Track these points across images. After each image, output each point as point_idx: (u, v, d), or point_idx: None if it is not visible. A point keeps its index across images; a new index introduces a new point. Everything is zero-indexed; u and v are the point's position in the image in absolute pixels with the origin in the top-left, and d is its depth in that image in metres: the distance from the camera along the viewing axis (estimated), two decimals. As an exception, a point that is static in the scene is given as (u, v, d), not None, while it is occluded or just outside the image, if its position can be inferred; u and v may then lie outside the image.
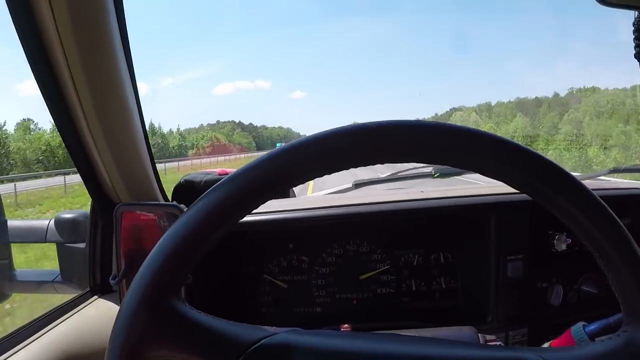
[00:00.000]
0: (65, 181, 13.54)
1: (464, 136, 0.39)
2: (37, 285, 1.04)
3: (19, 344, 0.79)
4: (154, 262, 0.40)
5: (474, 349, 0.42)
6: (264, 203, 0.40)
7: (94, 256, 0.96)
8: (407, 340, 0.42)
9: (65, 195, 12.44)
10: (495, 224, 0.89)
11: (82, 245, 0.99)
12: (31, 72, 0.77)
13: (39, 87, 0.78)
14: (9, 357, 0.75)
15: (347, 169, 0.40)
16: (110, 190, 0.91)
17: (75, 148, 0.85)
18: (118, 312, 0.40)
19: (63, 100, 0.80)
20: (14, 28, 0.71)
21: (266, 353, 0.39)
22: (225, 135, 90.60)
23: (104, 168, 0.86)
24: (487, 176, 0.40)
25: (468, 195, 0.92)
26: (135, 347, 0.39)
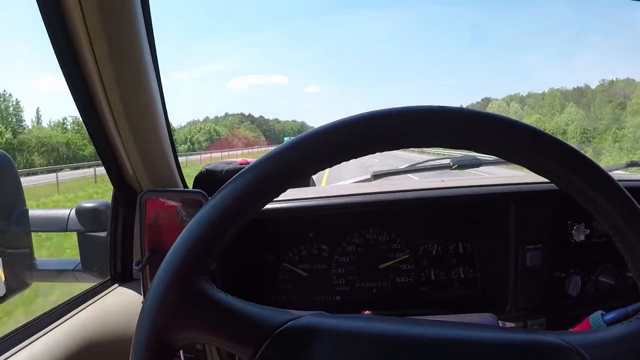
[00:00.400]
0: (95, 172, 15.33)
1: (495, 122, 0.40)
2: (58, 273, 1.05)
3: (42, 329, 0.80)
4: (184, 244, 0.41)
5: (495, 331, 0.42)
6: (289, 187, 0.42)
7: (114, 245, 0.97)
8: (430, 323, 0.42)
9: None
10: (515, 214, 0.89)
11: (102, 234, 1.00)
12: (57, 62, 0.78)
13: (65, 78, 0.80)
14: (32, 342, 0.76)
15: (373, 153, 0.41)
16: (132, 179, 0.92)
17: (99, 138, 0.87)
18: (146, 295, 0.41)
19: (88, 91, 0.81)
20: (40, 15, 0.72)
21: (292, 335, 0.40)
22: (227, 128, 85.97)
23: (126, 157, 0.88)
24: (509, 160, 0.41)
25: (488, 185, 0.92)
26: (163, 329, 0.40)
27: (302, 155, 0.40)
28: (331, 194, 0.89)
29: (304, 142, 0.41)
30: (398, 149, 0.43)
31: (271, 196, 0.41)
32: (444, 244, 0.96)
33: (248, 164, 1.00)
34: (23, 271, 1.02)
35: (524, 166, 0.42)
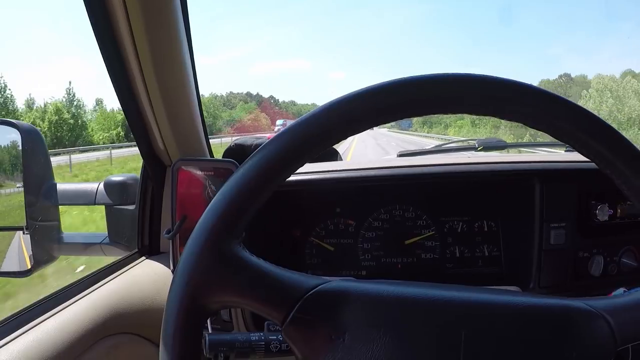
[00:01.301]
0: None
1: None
2: (85, 247, 1.07)
3: (70, 299, 0.82)
4: (218, 207, 0.41)
5: (522, 296, 0.43)
6: (324, 149, 0.42)
7: (143, 218, 0.98)
8: (459, 288, 0.43)
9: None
10: (540, 191, 0.89)
11: (130, 207, 1.02)
12: (93, 34, 0.79)
13: (101, 50, 0.81)
14: (59, 311, 0.77)
15: (403, 118, 0.42)
16: (161, 152, 0.94)
17: (131, 110, 0.88)
18: (179, 260, 0.41)
19: (123, 64, 0.83)
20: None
21: (323, 298, 0.40)
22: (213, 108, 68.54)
23: (157, 130, 0.89)
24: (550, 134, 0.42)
25: (514, 162, 0.93)
26: (197, 292, 0.40)
27: (339, 117, 0.41)
28: (359, 167, 0.90)
29: (341, 105, 0.41)
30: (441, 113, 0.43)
31: (306, 158, 0.42)
32: (469, 221, 0.96)
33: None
34: (50, 244, 1.03)
35: (571, 146, 0.43)
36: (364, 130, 0.42)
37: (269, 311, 0.41)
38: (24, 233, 1.01)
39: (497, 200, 0.96)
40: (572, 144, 0.43)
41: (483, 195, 0.96)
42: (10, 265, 1.06)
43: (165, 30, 0.80)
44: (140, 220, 0.98)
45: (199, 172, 0.71)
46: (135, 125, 0.90)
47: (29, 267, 0.96)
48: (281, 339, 0.56)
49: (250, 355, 0.55)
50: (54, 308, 0.78)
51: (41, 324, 0.73)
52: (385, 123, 0.43)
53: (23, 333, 0.68)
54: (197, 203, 0.70)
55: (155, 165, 0.95)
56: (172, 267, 0.82)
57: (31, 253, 1.00)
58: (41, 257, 1.00)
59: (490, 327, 0.39)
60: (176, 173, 0.71)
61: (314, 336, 0.40)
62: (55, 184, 1.05)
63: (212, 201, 0.43)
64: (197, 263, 0.40)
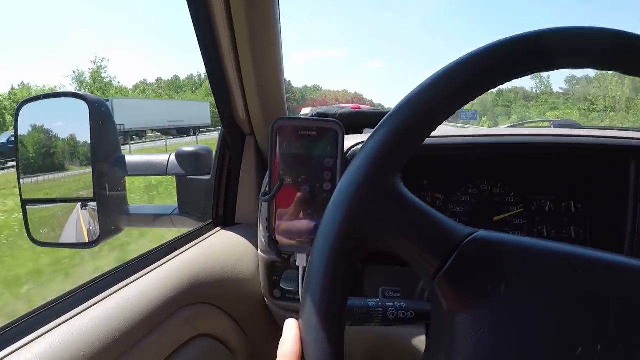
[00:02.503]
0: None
1: None
2: (154, 218, 1.05)
3: (150, 265, 0.80)
4: (385, 136, 0.39)
5: None
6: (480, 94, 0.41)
7: (219, 188, 0.97)
8: (613, 254, 0.40)
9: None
10: (635, 171, 0.86)
11: (204, 177, 1.01)
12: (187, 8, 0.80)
13: (193, 22, 0.81)
14: (139, 278, 0.76)
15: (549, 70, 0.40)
16: (242, 121, 0.93)
17: (217, 78, 0.88)
18: (337, 188, 0.39)
19: (212, 29, 0.82)
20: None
21: (481, 246, 0.38)
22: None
23: (241, 99, 0.88)
24: None
25: (607, 137, 0.90)
26: (355, 221, 0.38)
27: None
28: (452, 134, 0.88)
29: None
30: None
31: (463, 100, 0.40)
32: (556, 201, 0.94)
33: (360, 108, 0.99)
34: (118, 216, 1.02)
35: None
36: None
37: (425, 256, 0.39)
38: (82, 208, 1.01)
39: (586, 178, 0.93)
40: None
41: (571, 174, 0.93)
42: (75, 237, 1.06)
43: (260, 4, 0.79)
44: (216, 190, 0.97)
45: (300, 133, 0.68)
46: (220, 93, 0.90)
47: (95, 238, 0.96)
48: (398, 305, 0.52)
49: (366, 323, 0.52)
50: (133, 275, 0.76)
51: (120, 290, 0.71)
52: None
53: (102, 300, 0.67)
54: (297, 164, 0.68)
55: (235, 134, 0.94)
56: (263, 232, 0.80)
57: (90, 227, 1.00)
58: (109, 228, 0.99)
59: None
60: (276, 132, 0.68)
61: (468, 286, 0.38)
62: (124, 156, 1.04)
63: (375, 131, 0.41)
64: (360, 196, 0.38)
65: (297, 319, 0.39)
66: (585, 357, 0.34)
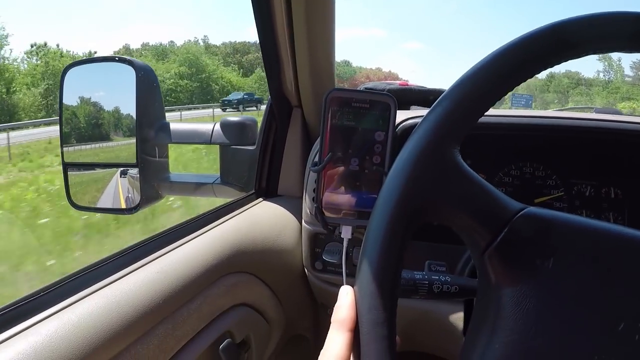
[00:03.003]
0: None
1: None
2: (195, 187, 1.06)
3: (192, 233, 0.81)
4: (447, 108, 0.41)
5: None
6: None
7: (263, 159, 0.97)
8: None
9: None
10: None
11: (248, 148, 1.00)
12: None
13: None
14: (184, 244, 0.76)
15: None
16: (289, 92, 0.92)
17: (269, 49, 0.88)
18: (398, 157, 0.40)
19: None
20: None
21: (532, 221, 0.40)
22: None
23: (291, 71, 0.87)
24: None
25: None
26: (414, 190, 0.39)
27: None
28: (497, 114, 0.87)
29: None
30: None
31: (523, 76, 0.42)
32: (597, 186, 0.92)
33: (408, 85, 0.97)
34: (159, 182, 1.03)
35: None
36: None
37: (479, 229, 0.40)
38: (122, 176, 1.02)
39: (625, 167, 0.91)
40: None
41: (612, 160, 0.92)
42: (112, 203, 1.07)
43: None
44: (260, 161, 0.97)
45: (353, 104, 0.67)
46: (270, 64, 0.90)
47: (136, 204, 0.97)
48: (443, 279, 0.54)
49: (412, 295, 0.53)
50: (177, 241, 0.77)
51: (164, 256, 0.71)
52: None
53: (146, 264, 0.68)
54: (348, 136, 0.67)
55: (282, 105, 0.94)
56: (309, 203, 0.80)
57: (128, 194, 1.01)
58: (150, 195, 1.00)
59: None
60: (329, 103, 0.67)
61: (518, 260, 0.39)
62: (168, 123, 1.05)
63: (436, 104, 0.42)
64: (419, 162, 0.40)
65: (352, 286, 0.40)
66: (626, 332, 0.35)
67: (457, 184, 0.40)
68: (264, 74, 0.94)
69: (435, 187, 0.39)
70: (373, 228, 0.39)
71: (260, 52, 0.88)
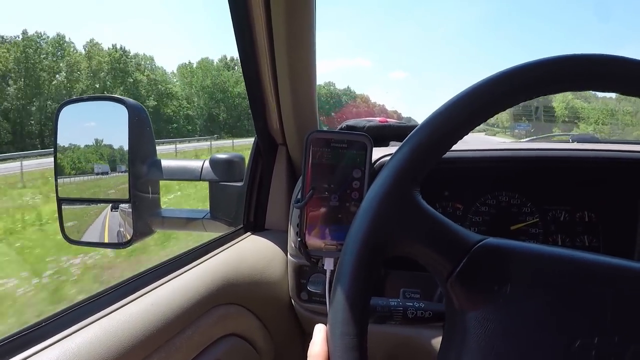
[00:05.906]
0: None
1: None
2: (186, 222, 1.09)
3: (184, 266, 0.84)
4: (409, 152, 0.44)
5: None
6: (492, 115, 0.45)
7: (250, 194, 1.01)
8: (609, 256, 0.44)
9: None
10: None
11: (236, 184, 1.05)
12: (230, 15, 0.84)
13: (235, 33, 0.86)
14: (176, 276, 0.80)
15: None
16: (275, 131, 0.97)
17: (254, 89, 0.93)
18: (365, 198, 0.44)
19: (253, 41, 0.87)
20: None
21: (489, 251, 0.43)
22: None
23: (276, 110, 0.92)
24: None
25: (622, 150, 0.92)
26: (380, 230, 0.42)
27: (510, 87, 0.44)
28: (475, 147, 0.92)
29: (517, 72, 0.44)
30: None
31: (492, 113, 0.45)
32: (571, 211, 0.97)
33: (387, 122, 1.02)
34: (151, 218, 1.06)
35: None
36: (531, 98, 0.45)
37: (441, 261, 0.43)
38: (112, 210, 1.05)
39: (600, 190, 0.95)
40: None
41: (585, 186, 0.96)
42: (98, 237, 1.09)
43: (299, 11, 0.83)
44: (248, 196, 1.01)
45: (332, 145, 0.72)
46: (256, 104, 0.94)
47: (128, 239, 1.00)
48: (417, 305, 0.57)
49: (387, 321, 0.56)
50: (169, 274, 0.81)
51: (157, 288, 0.75)
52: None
53: (140, 296, 0.71)
54: (328, 174, 0.72)
55: (267, 143, 0.98)
56: (294, 237, 0.84)
57: (120, 228, 1.04)
58: (142, 230, 1.03)
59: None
60: (310, 144, 0.72)
61: (478, 286, 0.42)
62: (160, 160, 1.09)
63: (398, 149, 0.45)
64: (383, 203, 0.43)
65: (326, 324, 0.44)
66: (583, 349, 0.38)
67: (417, 221, 0.43)
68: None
69: (397, 224, 0.42)
70: (343, 262, 0.42)
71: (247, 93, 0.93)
